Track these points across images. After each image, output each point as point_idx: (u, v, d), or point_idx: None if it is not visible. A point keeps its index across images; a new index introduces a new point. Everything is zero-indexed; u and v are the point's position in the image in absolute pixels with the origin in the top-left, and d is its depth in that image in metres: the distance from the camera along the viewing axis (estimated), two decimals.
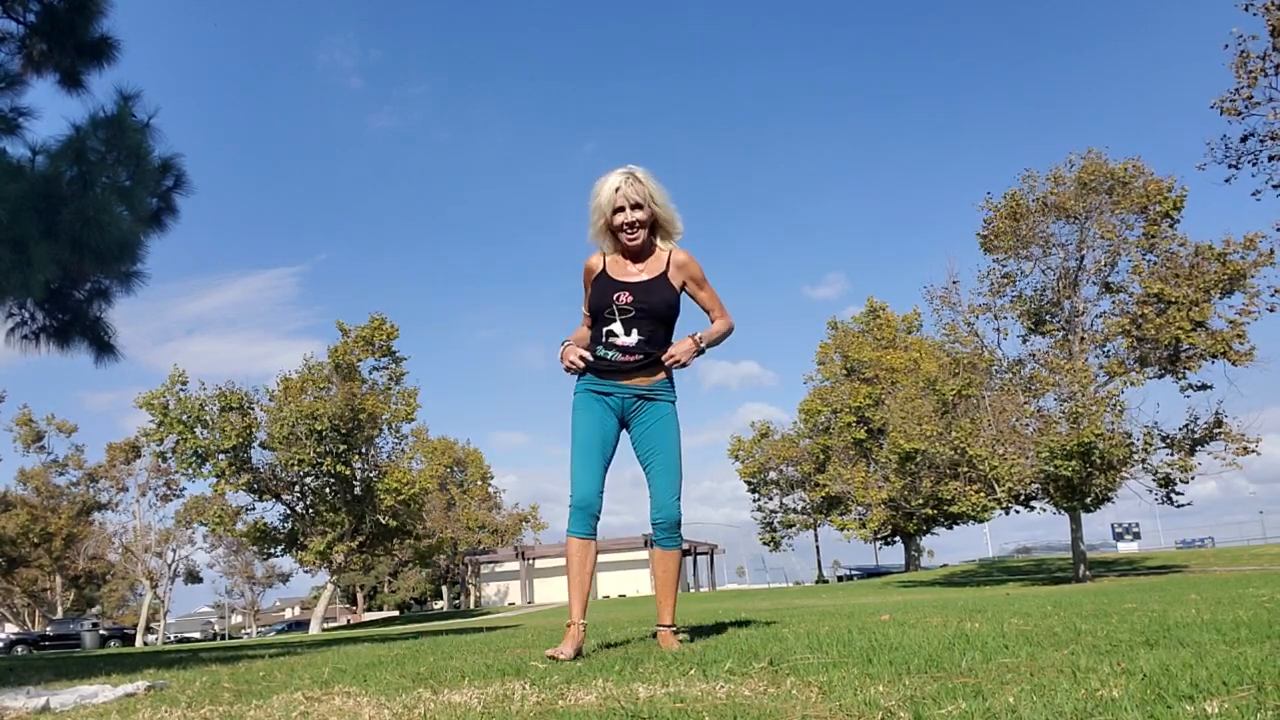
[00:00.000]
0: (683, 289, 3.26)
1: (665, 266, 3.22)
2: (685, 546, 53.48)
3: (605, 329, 3.19)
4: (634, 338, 3.17)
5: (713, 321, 3.35)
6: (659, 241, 3.28)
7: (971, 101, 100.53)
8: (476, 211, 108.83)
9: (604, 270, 3.23)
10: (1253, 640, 2.46)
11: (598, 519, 3.16)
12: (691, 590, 50.25)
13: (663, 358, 3.19)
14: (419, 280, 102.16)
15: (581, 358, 3.18)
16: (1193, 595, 5.62)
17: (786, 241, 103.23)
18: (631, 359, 3.17)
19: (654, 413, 3.23)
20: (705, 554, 54.95)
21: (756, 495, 48.74)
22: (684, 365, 3.20)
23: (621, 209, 3.14)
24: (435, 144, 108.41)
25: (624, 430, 3.28)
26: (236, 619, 69.43)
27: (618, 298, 3.17)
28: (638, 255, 3.23)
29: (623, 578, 48.60)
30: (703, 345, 3.26)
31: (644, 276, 3.21)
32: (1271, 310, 19.86)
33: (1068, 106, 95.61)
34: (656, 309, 3.18)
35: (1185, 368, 21.44)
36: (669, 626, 3.28)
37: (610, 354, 3.18)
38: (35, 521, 43.52)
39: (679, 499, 3.22)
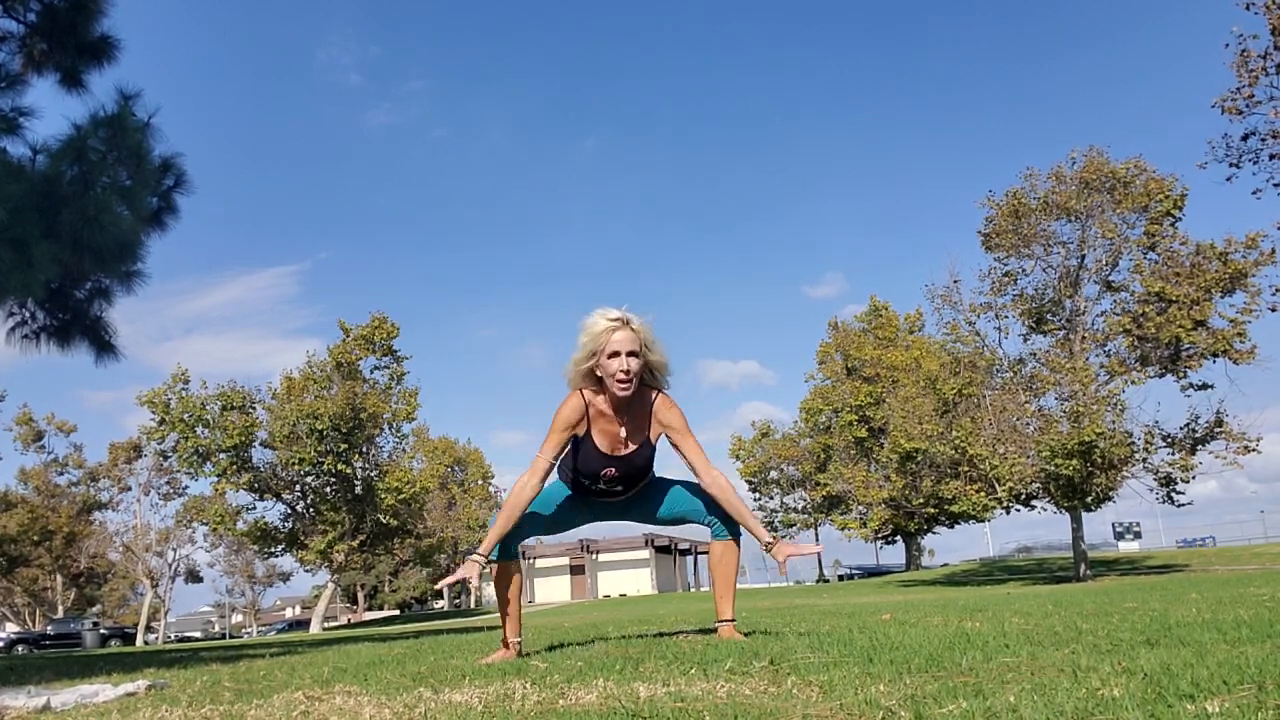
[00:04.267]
0: (658, 437, 3.26)
1: (649, 423, 3.19)
2: (686, 546, 54.20)
3: (594, 485, 3.30)
4: (620, 488, 3.32)
5: (700, 475, 3.24)
6: (645, 383, 3.19)
7: (972, 101, 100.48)
8: (476, 210, 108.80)
9: (589, 434, 3.15)
10: (1254, 639, 2.46)
11: (518, 550, 3.30)
12: (693, 590, 50.25)
13: (781, 567, 3.23)
14: (419, 279, 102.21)
15: (475, 559, 3.06)
16: (1194, 594, 5.61)
17: (785, 241, 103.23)
18: (619, 495, 3.35)
19: (642, 490, 3.38)
20: (706, 553, 54.87)
21: (757, 494, 48.78)
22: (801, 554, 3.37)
23: (617, 354, 3.02)
24: (434, 140, 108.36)
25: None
26: (237, 618, 69.45)
27: (605, 473, 3.22)
28: (623, 404, 3.14)
29: (623, 577, 48.61)
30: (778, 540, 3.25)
31: (630, 449, 3.19)
32: (1273, 309, 19.84)
33: (1068, 106, 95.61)
34: (641, 471, 3.28)
35: (1186, 367, 21.44)
36: (730, 620, 3.33)
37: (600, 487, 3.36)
38: (35, 520, 43.52)
39: (703, 497, 3.32)
